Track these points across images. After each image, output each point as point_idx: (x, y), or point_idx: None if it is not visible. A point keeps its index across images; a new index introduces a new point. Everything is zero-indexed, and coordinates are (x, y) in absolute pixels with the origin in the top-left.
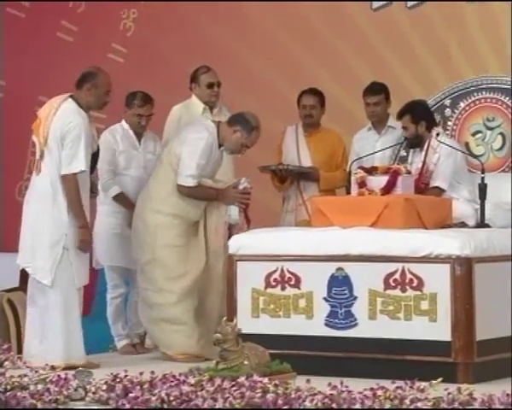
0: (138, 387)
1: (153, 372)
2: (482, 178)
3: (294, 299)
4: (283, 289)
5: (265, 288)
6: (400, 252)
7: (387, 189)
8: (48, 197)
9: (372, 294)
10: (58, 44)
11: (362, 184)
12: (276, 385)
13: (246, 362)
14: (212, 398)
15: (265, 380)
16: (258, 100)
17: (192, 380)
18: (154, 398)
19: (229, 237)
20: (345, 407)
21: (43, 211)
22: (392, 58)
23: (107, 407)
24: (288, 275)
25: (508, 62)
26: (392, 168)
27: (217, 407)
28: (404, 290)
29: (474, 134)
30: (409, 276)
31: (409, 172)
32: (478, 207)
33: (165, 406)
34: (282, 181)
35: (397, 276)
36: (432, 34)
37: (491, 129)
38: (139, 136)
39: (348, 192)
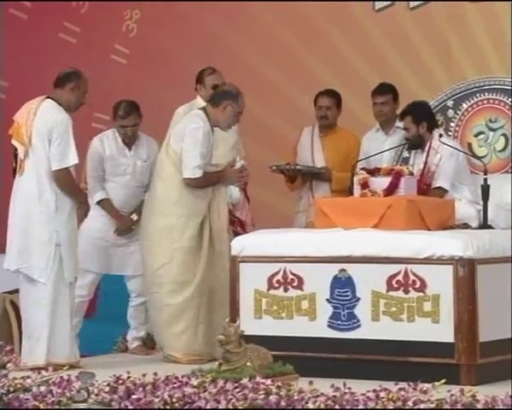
0: (141, 389)
1: (155, 374)
2: (485, 180)
3: (297, 300)
4: (286, 290)
5: (268, 289)
6: (403, 253)
7: (390, 190)
8: (34, 196)
9: (375, 295)
10: (60, 45)
11: (364, 185)
12: (278, 387)
13: (248, 364)
14: (215, 400)
15: (268, 382)
16: (262, 99)
17: (195, 382)
18: (156, 400)
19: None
20: (347, 408)
21: (30, 210)
22: (395, 59)
23: (110, 409)
24: (290, 276)
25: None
26: (394, 169)
27: (219, 408)
28: (406, 292)
29: (476, 135)
30: (411, 277)
31: (411, 174)
32: (480, 208)
33: (168, 407)
34: (291, 180)
35: (400, 277)
36: (434, 35)
37: (493, 130)
38: (130, 142)
39: (351, 193)
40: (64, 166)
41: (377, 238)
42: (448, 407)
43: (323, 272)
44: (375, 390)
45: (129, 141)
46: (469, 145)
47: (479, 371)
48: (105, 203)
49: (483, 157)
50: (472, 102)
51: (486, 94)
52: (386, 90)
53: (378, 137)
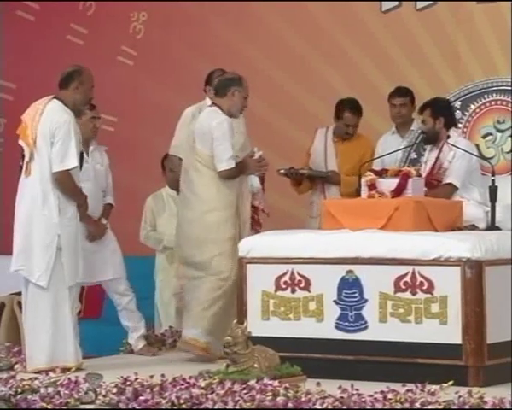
0: (148, 390)
1: (163, 375)
2: (493, 181)
3: (304, 302)
4: (293, 291)
5: (275, 290)
6: (410, 255)
7: (398, 191)
8: (38, 198)
9: (382, 297)
10: (68, 47)
11: (372, 186)
12: (286, 388)
13: (256, 365)
14: (223, 401)
15: (275, 383)
16: (268, 101)
17: (202, 383)
18: (164, 401)
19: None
20: (355, 409)
21: (33, 213)
22: (402, 60)
23: None
24: (298, 278)
25: None
26: (402, 171)
27: (227, 409)
28: (414, 293)
29: (484, 136)
30: (419, 279)
31: (419, 175)
32: (488, 209)
33: (176, 408)
34: (297, 184)
35: (407, 279)
36: (442, 36)
37: (501, 131)
38: (86, 148)
39: (358, 195)
40: (64, 168)
41: (385, 240)
42: (456, 409)
43: (331, 274)
44: (382, 392)
45: (87, 145)
46: (477, 146)
47: (486, 373)
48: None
49: (491, 158)
50: (480, 103)
51: (494, 95)
52: (404, 93)
53: (394, 139)
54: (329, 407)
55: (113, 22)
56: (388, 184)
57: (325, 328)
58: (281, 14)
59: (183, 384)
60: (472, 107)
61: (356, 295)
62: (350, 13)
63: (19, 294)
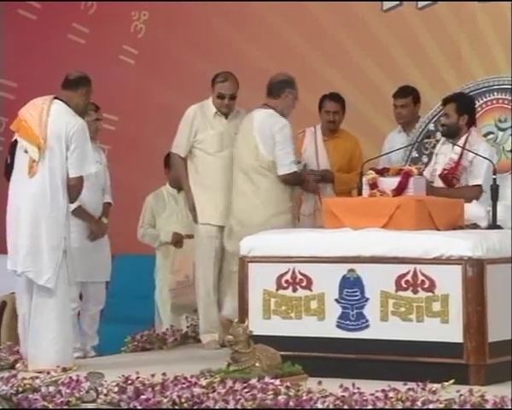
0: (150, 389)
1: (164, 374)
2: (494, 180)
3: (306, 300)
4: (295, 290)
5: (277, 289)
6: (412, 253)
7: (399, 190)
8: (46, 200)
9: (384, 295)
10: (69, 46)
11: (373, 185)
12: (287, 387)
13: (257, 364)
14: (224, 400)
15: (277, 382)
16: None
17: (203, 382)
18: (165, 400)
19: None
20: (356, 408)
21: (40, 214)
22: (404, 59)
23: (119, 409)
24: (299, 276)
25: None
26: (403, 169)
27: (228, 408)
28: (415, 292)
29: (485, 135)
30: (420, 277)
31: (420, 174)
32: (490, 208)
33: (177, 407)
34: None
35: (408, 277)
36: (443, 35)
37: (502, 130)
38: None
39: (360, 193)
40: (82, 173)
41: (386, 238)
42: (457, 407)
43: (332, 273)
44: (383, 390)
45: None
46: None
47: (488, 372)
48: (79, 211)
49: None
50: (481, 102)
51: (495, 94)
52: (406, 93)
53: (400, 137)
54: (331, 406)
55: (114, 21)
56: (390, 183)
57: (326, 327)
58: (282, 14)
59: (184, 383)
60: None
61: (357, 293)
62: (350, 12)
63: None
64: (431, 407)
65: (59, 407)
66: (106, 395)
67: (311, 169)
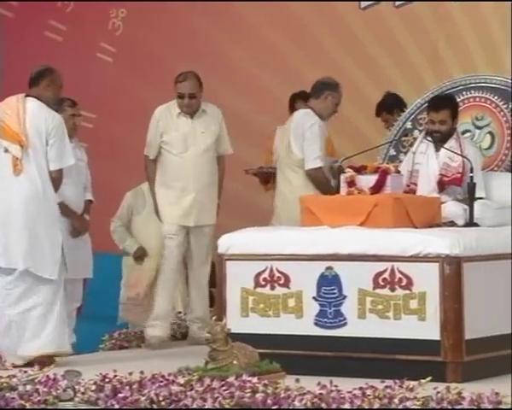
0: (127, 387)
1: (142, 372)
2: (471, 178)
3: (284, 298)
4: (273, 288)
5: (255, 287)
6: (389, 251)
7: (377, 188)
8: (38, 196)
9: (361, 293)
10: (47, 44)
11: (351, 183)
12: (265, 385)
13: (235, 362)
14: (202, 398)
15: (255, 380)
16: (249, 98)
17: (181, 380)
18: (143, 398)
19: None
20: (334, 406)
21: (35, 211)
22: (382, 57)
23: (96, 408)
24: (277, 274)
25: (497, 61)
26: (381, 167)
27: (206, 407)
28: (393, 289)
29: (463, 133)
30: (398, 275)
31: (398, 172)
32: (467, 206)
33: (155, 406)
34: (265, 182)
35: (386, 275)
36: (420, 33)
37: (479, 128)
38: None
39: (338, 191)
40: (62, 166)
41: (364, 236)
42: (434, 405)
43: (310, 270)
44: (361, 388)
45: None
46: None
47: (465, 369)
48: (61, 207)
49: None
50: (458, 100)
51: (473, 92)
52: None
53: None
54: (308, 404)
55: (91, 19)
56: (367, 181)
57: (304, 324)
58: (262, 12)
59: (162, 381)
60: None
61: (335, 291)
62: (330, 10)
63: None
64: (408, 404)
65: (36, 406)
66: (83, 393)
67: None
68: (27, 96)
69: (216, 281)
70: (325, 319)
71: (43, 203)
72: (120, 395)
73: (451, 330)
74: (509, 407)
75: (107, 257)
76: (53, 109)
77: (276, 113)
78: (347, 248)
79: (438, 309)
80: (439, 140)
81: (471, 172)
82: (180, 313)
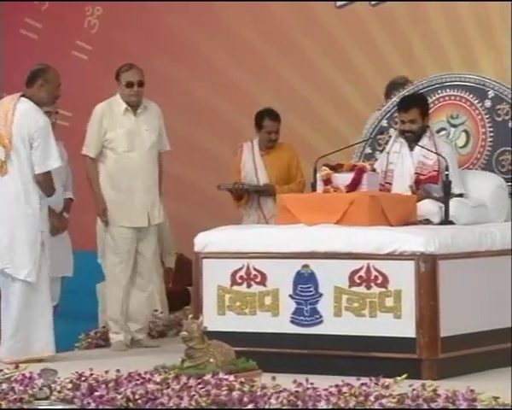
0: (104, 385)
1: (118, 371)
2: (446, 176)
3: (260, 296)
4: (249, 286)
5: (231, 285)
6: (365, 249)
7: (353, 186)
8: (20, 197)
9: (337, 291)
10: (22, 41)
11: (327, 181)
12: (241, 383)
13: (211, 360)
14: (178, 396)
15: (231, 378)
16: (226, 98)
17: (158, 378)
18: (119, 396)
19: None
20: (310, 404)
21: (16, 212)
22: (357, 55)
23: (73, 407)
24: (253, 272)
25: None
26: (357, 166)
27: (182, 405)
28: (368, 287)
29: (438, 131)
30: (374, 273)
31: (374, 170)
32: (442, 204)
33: (131, 404)
34: (238, 198)
35: (362, 273)
36: (396, 31)
37: (455, 126)
38: None
39: (314, 189)
40: (46, 169)
41: (340, 234)
42: (409, 402)
43: (286, 268)
44: (337, 386)
45: None
46: None
47: (440, 366)
48: None
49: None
50: (433, 98)
51: (448, 90)
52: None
53: None
54: (285, 402)
55: (67, 16)
56: (343, 179)
57: (280, 322)
58: (239, 11)
59: (138, 380)
60: None
61: (311, 289)
62: (306, 8)
63: None
64: (384, 401)
65: (12, 405)
66: (59, 391)
67: (252, 184)
68: (22, 96)
69: (192, 279)
70: (301, 317)
71: (23, 205)
72: (96, 393)
73: (427, 328)
74: (484, 404)
75: (85, 255)
76: (49, 109)
77: (252, 113)
78: (323, 246)
79: (413, 307)
80: (412, 139)
81: (446, 169)
82: (156, 311)
